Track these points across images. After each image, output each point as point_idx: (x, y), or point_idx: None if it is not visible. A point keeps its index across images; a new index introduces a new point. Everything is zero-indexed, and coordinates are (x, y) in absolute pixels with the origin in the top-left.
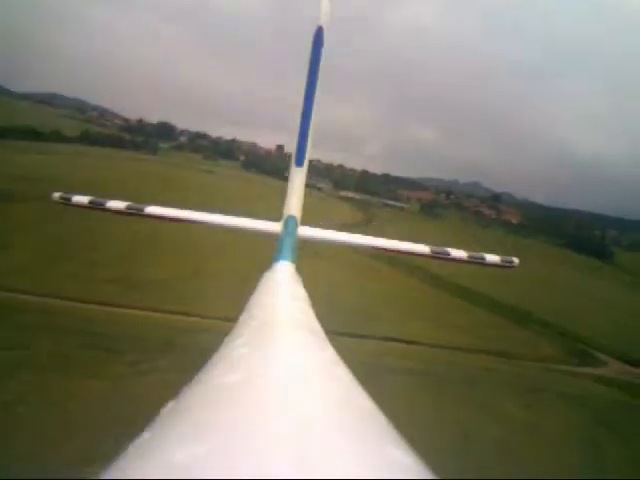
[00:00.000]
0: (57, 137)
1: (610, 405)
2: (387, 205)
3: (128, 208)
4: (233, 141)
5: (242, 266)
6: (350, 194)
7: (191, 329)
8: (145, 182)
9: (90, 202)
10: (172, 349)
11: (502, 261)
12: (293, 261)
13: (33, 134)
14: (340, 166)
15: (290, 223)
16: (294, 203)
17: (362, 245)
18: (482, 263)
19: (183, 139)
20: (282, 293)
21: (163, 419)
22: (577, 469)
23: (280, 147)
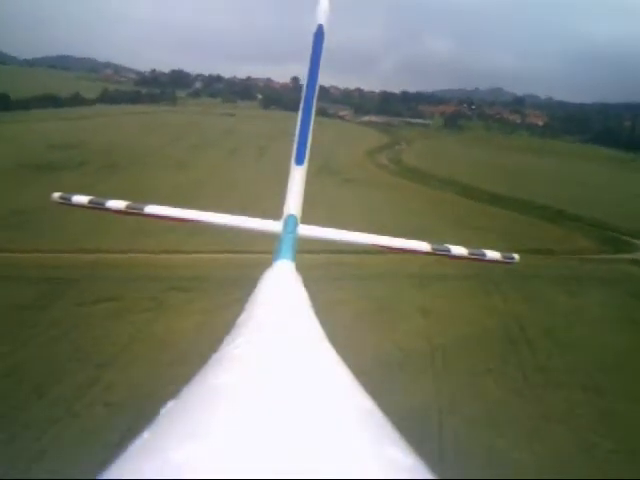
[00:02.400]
0: (78, 101)
1: None
2: (410, 124)
3: (128, 207)
4: (248, 79)
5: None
6: (373, 118)
7: (251, 264)
8: (175, 135)
9: (90, 202)
10: (242, 282)
11: (502, 257)
12: (293, 260)
13: (54, 100)
14: (358, 89)
15: (290, 222)
16: (294, 202)
17: (363, 243)
18: (482, 260)
19: (198, 85)
20: (282, 292)
21: (163, 419)
22: (617, 344)
23: (295, 79)
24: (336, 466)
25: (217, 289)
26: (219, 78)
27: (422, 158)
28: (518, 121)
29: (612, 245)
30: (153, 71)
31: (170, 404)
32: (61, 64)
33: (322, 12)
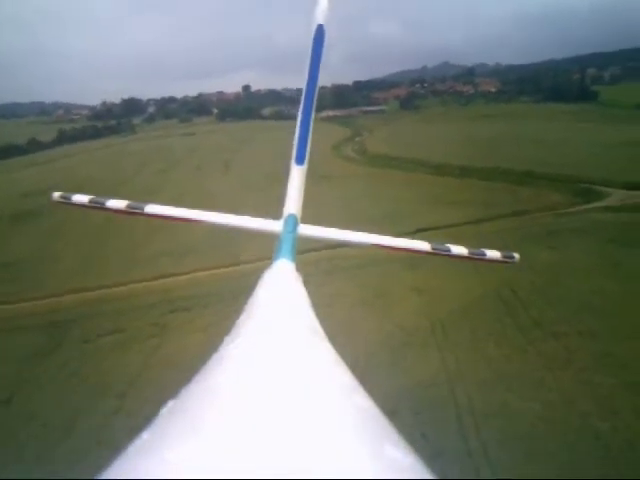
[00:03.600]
0: (36, 146)
1: (620, 226)
2: (368, 112)
3: (128, 207)
4: (200, 96)
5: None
6: (330, 113)
7: (247, 273)
8: (140, 162)
9: (90, 201)
10: (240, 292)
11: (503, 256)
12: (293, 260)
13: (13, 150)
14: None
15: (290, 222)
16: (294, 201)
17: (364, 243)
18: (482, 259)
19: (152, 109)
20: (282, 292)
21: (162, 419)
22: (604, 288)
23: (246, 87)
24: (335, 466)
25: (217, 303)
26: (172, 99)
27: (386, 144)
28: (471, 91)
29: (583, 196)
30: (104, 103)
31: (170, 404)
32: (10, 112)
33: (321, 12)
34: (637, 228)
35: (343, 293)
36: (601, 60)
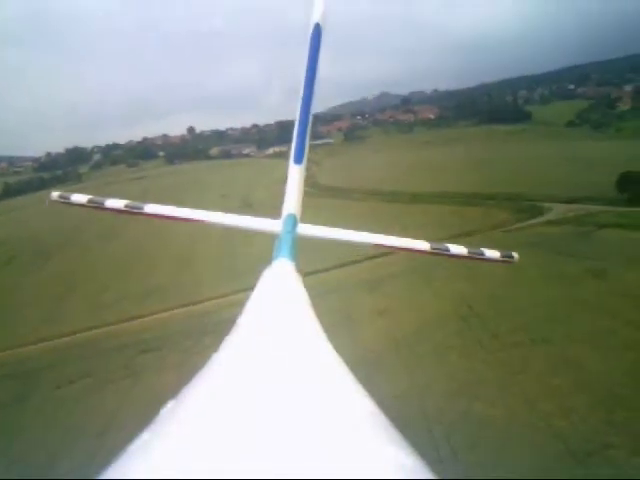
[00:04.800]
0: None
1: (563, 238)
2: (313, 145)
3: (127, 207)
4: (145, 140)
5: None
6: (276, 149)
7: (211, 311)
8: (92, 211)
9: (89, 201)
10: (206, 329)
11: (502, 256)
12: (293, 259)
13: None
14: (254, 125)
15: (289, 221)
16: (293, 201)
17: (362, 243)
18: (482, 258)
19: (98, 157)
20: (282, 292)
21: (163, 419)
22: (553, 297)
23: (191, 129)
24: (337, 466)
25: (184, 341)
26: (116, 145)
27: (335, 175)
28: (412, 119)
29: (527, 212)
30: (48, 154)
31: (170, 404)
32: None
33: (318, 11)
34: (578, 239)
35: None
36: (530, 82)
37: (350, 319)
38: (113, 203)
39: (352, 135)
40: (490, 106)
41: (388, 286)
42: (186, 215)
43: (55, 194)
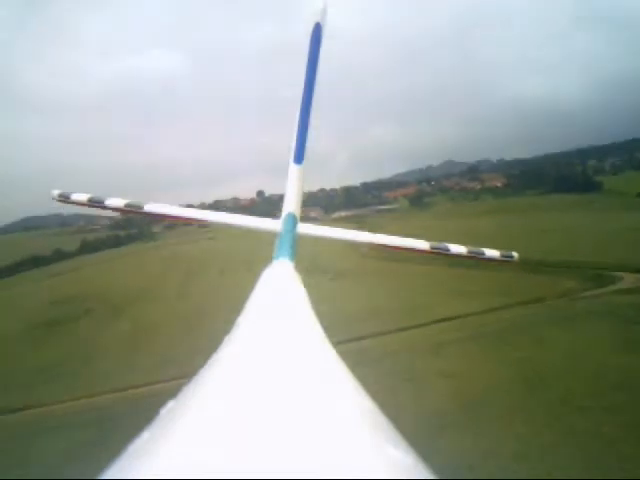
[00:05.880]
0: (61, 255)
1: (633, 307)
2: (379, 211)
3: (127, 206)
4: (216, 203)
5: None
6: (342, 213)
7: (156, 394)
8: (164, 267)
9: (89, 200)
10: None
11: (502, 256)
12: (292, 259)
13: (39, 260)
14: (321, 189)
15: (289, 221)
16: (293, 200)
17: (362, 242)
18: (482, 258)
19: None
20: (281, 292)
21: (163, 419)
22: (623, 364)
23: (260, 192)
24: (336, 466)
25: (130, 426)
26: (189, 207)
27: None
28: (478, 187)
29: (595, 281)
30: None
31: (170, 404)
32: (31, 225)
33: (319, 10)
34: None
35: (370, 381)
36: (599, 152)
37: (413, 381)
38: (113, 202)
39: (418, 201)
40: (558, 175)
41: (454, 350)
42: (186, 215)
43: (55, 192)
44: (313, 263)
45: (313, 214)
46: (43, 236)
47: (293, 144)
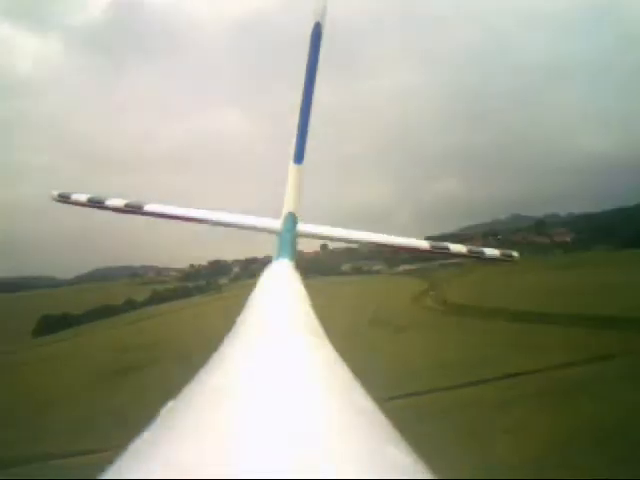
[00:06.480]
0: (131, 305)
1: None
2: (444, 265)
3: (127, 206)
4: None
5: None
6: (406, 267)
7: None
8: (232, 317)
9: (89, 200)
10: None
11: (502, 255)
12: (292, 259)
13: (110, 309)
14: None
15: (289, 220)
16: (293, 200)
17: (361, 241)
18: (481, 257)
19: (237, 269)
20: (281, 291)
21: (163, 419)
22: None
23: (324, 246)
24: (335, 466)
25: None
26: (254, 259)
27: (465, 294)
28: (547, 242)
29: None
30: (192, 266)
31: (170, 404)
32: (103, 276)
33: (319, 10)
34: None
35: (436, 435)
36: None
37: (475, 436)
38: (113, 202)
39: None
40: (630, 230)
41: (518, 407)
42: (186, 214)
43: (55, 193)
44: (375, 316)
45: (377, 267)
46: (114, 287)
47: (293, 144)
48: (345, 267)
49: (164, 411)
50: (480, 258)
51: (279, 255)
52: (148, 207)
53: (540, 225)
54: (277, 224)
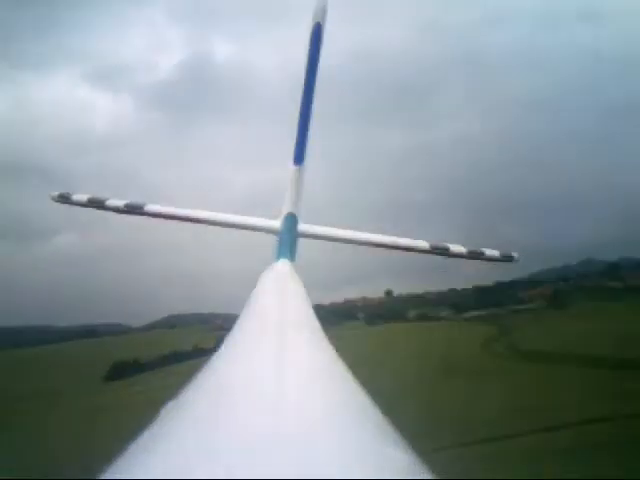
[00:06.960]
0: (200, 352)
1: None
2: (514, 311)
3: (127, 207)
4: (346, 302)
5: None
6: (474, 313)
7: None
8: None
9: (89, 200)
10: None
11: (502, 256)
12: (292, 259)
13: (179, 356)
14: (452, 290)
15: (289, 221)
16: (293, 201)
17: (360, 241)
18: (481, 258)
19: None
20: (281, 292)
21: (163, 419)
22: None
23: (389, 292)
24: (335, 466)
25: None
26: (320, 306)
27: (535, 341)
28: (620, 286)
29: None
30: None
31: (170, 404)
32: (174, 323)
33: (320, 10)
34: None
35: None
36: None
37: None
38: (113, 203)
39: (555, 301)
40: None
41: (590, 455)
42: (186, 215)
43: (55, 194)
44: (445, 362)
45: (443, 313)
46: (185, 333)
47: (294, 145)
48: (411, 313)
49: (164, 411)
50: (480, 258)
51: (279, 256)
52: (148, 207)
53: (613, 269)
54: (277, 224)
